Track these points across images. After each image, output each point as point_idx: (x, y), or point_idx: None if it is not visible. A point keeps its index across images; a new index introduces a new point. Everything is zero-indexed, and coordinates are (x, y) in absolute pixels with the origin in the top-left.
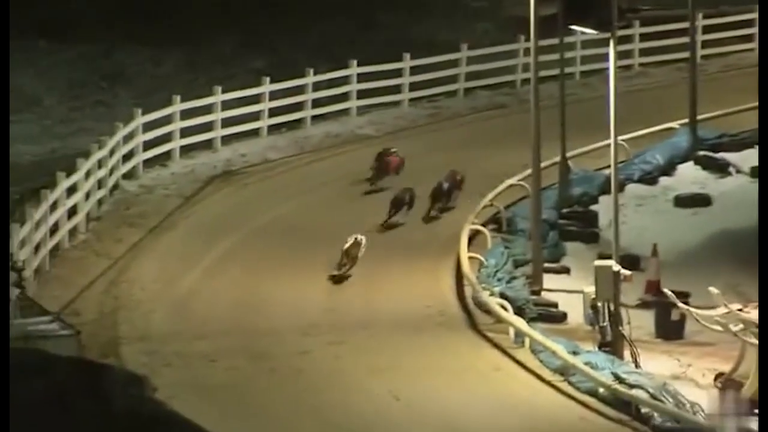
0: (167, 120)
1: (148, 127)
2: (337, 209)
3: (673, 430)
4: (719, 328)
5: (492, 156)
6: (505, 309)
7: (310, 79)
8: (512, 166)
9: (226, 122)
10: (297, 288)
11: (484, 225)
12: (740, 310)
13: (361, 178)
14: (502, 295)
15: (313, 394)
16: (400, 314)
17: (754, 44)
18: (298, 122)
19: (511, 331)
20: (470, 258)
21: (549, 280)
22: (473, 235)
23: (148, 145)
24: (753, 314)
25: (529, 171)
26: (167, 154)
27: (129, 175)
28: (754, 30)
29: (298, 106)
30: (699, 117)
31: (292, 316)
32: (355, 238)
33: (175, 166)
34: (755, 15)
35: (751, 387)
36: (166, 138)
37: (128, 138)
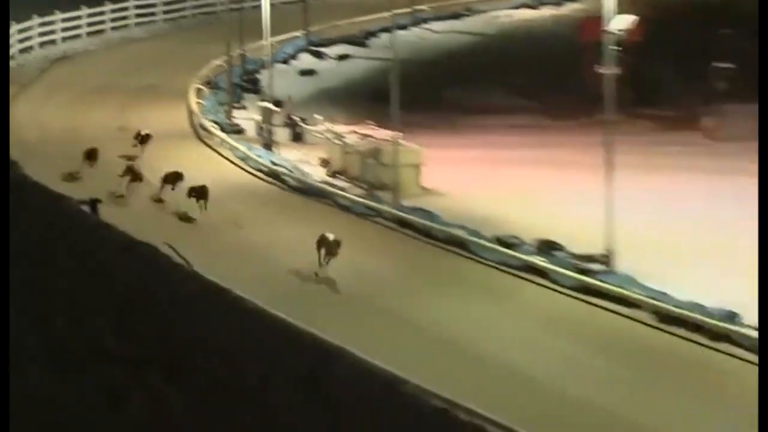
0: (30, 28)
1: (21, 32)
2: (130, 75)
3: (298, 188)
4: (321, 136)
5: (206, 48)
6: (215, 128)
7: (109, 7)
8: (216, 54)
9: (64, 29)
10: (102, 117)
11: (203, 84)
12: (331, 126)
13: (146, 59)
14: (213, 121)
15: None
16: (158, 132)
17: None
18: (103, 31)
19: (218, 139)
20: (196, 102)
21: (236, 113)
22: (197, 90)
23: (21, 41)
24: (337, 129)
25: (225, 57)
26: (31, 47)
27: (11, 58)
28: None
29: (103, 22)
30: (310, 29)
31: (100, 132)
32: (326, 236)
33: (36, 53)
34: None
35: (335, 165)
36: (30, 38)
37: None
